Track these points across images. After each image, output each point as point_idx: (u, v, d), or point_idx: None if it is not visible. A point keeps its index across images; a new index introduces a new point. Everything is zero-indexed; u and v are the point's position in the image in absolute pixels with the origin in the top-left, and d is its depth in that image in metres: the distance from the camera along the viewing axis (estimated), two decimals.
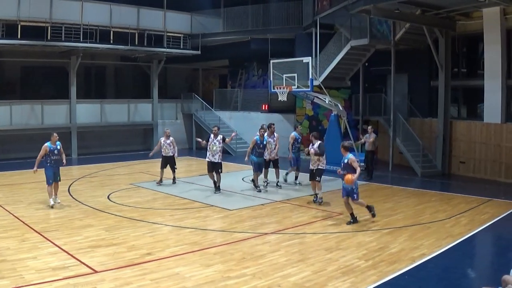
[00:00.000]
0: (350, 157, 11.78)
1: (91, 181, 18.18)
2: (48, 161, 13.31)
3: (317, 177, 13.94)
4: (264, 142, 16.00)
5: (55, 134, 13.61)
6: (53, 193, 13.54)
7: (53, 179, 13.43)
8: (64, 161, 13.94)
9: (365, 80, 24.91)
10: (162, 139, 17.31)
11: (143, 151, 27.61)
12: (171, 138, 17.27)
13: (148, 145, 28.94)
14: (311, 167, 14.21)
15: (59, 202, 13.56)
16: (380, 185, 18.00)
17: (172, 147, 17.19)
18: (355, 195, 11.90)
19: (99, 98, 28.15)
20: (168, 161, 17.23)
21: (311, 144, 14.14)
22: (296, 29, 26.36)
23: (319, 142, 14.03)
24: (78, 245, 9.84)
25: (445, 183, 18.95)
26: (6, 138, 23.76)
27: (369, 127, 19.45)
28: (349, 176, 11.68)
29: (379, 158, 24.50)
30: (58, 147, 13.57)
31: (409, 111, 23.59)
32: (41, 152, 13.31)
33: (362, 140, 19.42)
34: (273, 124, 16.94)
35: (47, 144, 13.36)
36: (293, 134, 17.38)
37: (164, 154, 17.18)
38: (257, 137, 15.85)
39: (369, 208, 12.35)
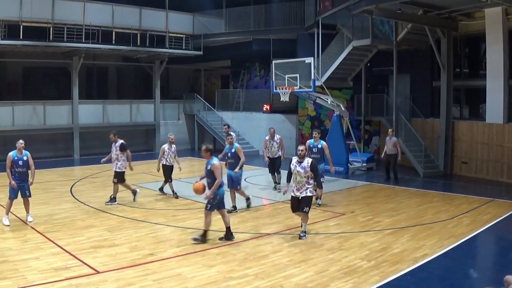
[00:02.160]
0: (212, 162, 10.08)
1: (93, 181, 18.20)
2: (13, 172, 11.41)
3: (305, 208, 10.53)
4: (233, 150, 13.36)
5: (20, 141, 11.60)
6: (25, 210, 11.77)
7: (15, 194, 11.46)
8: (31, 179, 11.70)
9: (367, 81, 24.94)
10: (166, 147, 15.20)
11: (145, 152, 27.70)
12: (174, 146, 15.35)
13: (150, 146, 29.03)
14: (295, 193, 10.66)
15: (30, 221, 11.63)
16: (382, 185, 18.00)
17: (174, 156, 15.30)
18: (208, 205, 10.15)
19: (101, 98, 28.18)
20: (171, 172, 15.26)
21: (295, 161, 10.65)
22: (298, 29, 26.38)
23: (310, 160, 10.62)
24: (80, 245, 9.85)
25: (447, 184, 18.93)
26: (8, 138, 23.65)
27: (390, 130, 18.87)
28: (197, 186, 10.33)
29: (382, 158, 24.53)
30: (25, 157, 11.52)
31: (411, 112, 23.57)
32: (7, 163, 11.39)
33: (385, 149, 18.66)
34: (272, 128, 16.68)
35: (11, 153, 11.48)
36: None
37: (167, 164, 15.16)
38: (227, 146, 13.79)
39: (204, 234, 10.26)
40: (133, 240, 10.36)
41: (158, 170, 15.13)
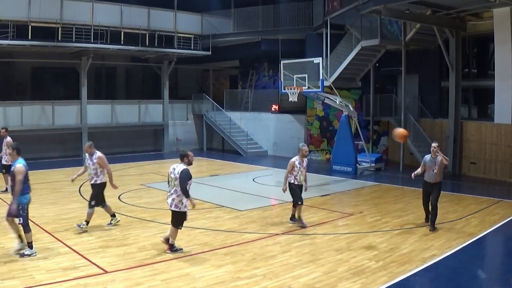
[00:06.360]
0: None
1: None
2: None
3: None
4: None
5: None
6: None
7: None
8: None
9: (375, 81, 24.87)
10: (297, 161, 11.64)
11: (153, 152, 27.76)
12: (306, 160, 11.91)
13: (158, 146, 29.07)
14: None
15: None
16: (391, 185, 17.96)
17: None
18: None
19: (110, 99, 28.23)
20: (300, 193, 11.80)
21: None
22: (307, 29, 26.36)
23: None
24: (89, 245, 9.89)
25: (455, 184, 18.84)
26: (17, 138, 23.41)
27: (434, 144, 11.66)
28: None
29: (390, 159, 24.49)
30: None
31: (420, 112, 23.49)
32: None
33: (419, 170, 11.79)
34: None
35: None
36: None
37: (295, 183, 11.67)
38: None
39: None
40: (142, 240, 10.38)
41: (285, 190, 11.78)
